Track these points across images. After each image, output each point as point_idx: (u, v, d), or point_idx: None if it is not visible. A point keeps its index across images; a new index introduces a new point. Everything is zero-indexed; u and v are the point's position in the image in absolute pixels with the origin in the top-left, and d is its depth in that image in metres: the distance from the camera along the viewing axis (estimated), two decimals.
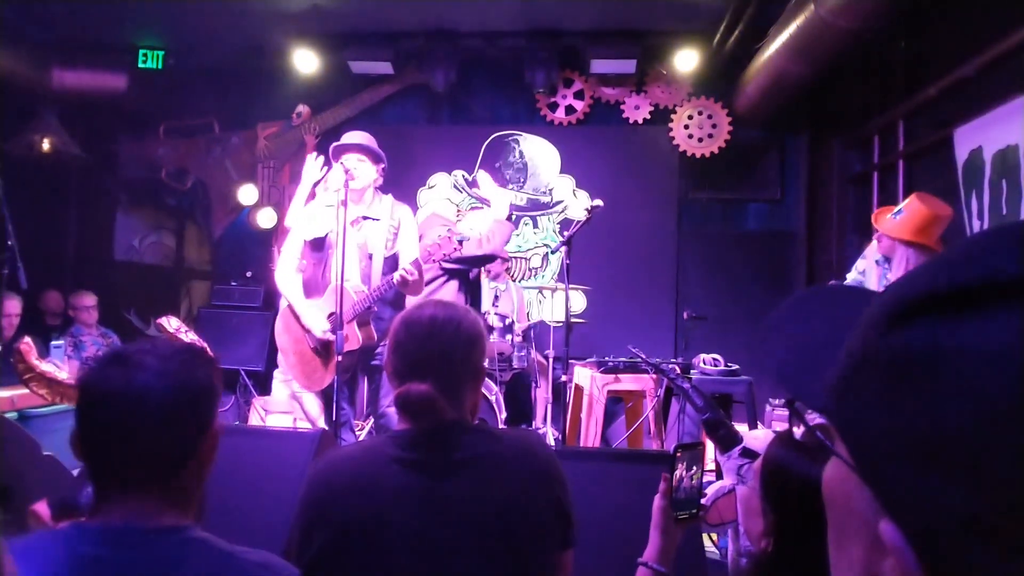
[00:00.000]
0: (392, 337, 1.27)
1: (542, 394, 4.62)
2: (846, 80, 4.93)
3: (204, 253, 6.42)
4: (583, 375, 4.08)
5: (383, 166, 3.23)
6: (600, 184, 5.61)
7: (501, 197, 3.77)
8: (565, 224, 5.69)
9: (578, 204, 5.74)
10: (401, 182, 4.98)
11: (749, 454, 1.58)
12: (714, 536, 2.60)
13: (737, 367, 3.93)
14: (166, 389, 0.92)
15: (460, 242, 2.87)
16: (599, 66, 5.36)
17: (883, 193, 4.62)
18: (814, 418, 0.48)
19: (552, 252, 5.76)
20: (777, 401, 3.94)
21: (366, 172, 3.13)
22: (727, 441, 1.69)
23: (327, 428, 2.95)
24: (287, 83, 5.57)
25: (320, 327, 3.03)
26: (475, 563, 1.11)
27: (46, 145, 5.60)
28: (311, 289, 3.19)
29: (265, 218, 5.89)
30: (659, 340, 5.38)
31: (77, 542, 0.89)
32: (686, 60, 5.19)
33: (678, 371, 3.60)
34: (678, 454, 1.24)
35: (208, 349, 1.04)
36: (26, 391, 2.60)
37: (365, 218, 3.18)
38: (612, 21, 5.08)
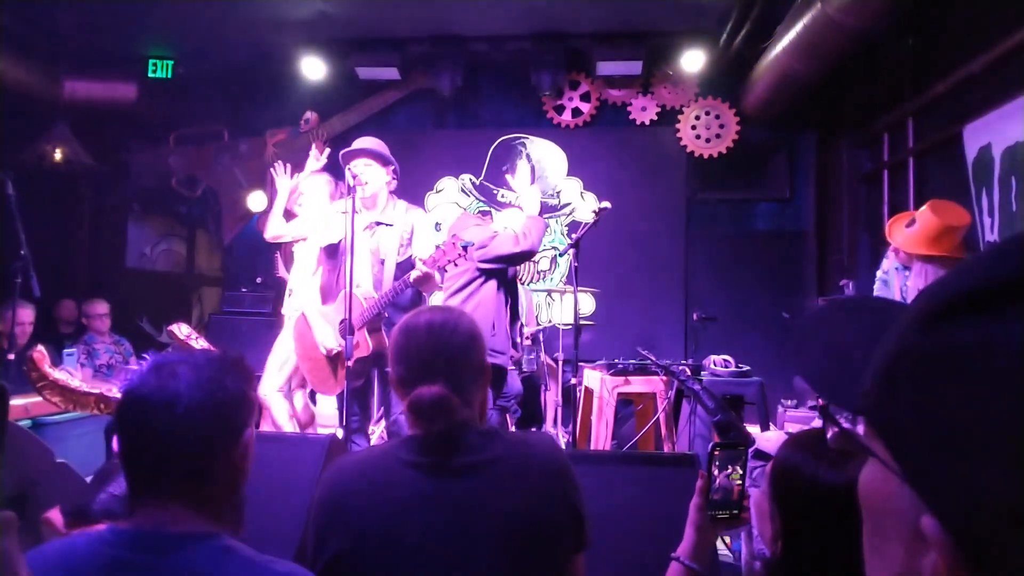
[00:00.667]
0: (393, 346, 1.27)
1: (552, 397, 4.62)
2: (854, 78, 4.90)
3: (215, 260, 6.46)
4: (593, 378, 4.07)
5: (393, 168, 3.21)
6: (608, 186, 5.61)
7: (533, 193, 3.68)
8: (573, 227, 5.68)
9: (586, 206, 5.74)
10: (409, 187, 4.99)
11: (761, 456, 1.57)
12: (727, 539, 2.59)
13: (748, 368, 3.90)
14: (197, 397, 0.95)
15: (464, 248, 2.83)
16: (605, 68, 5.35)
17: (893, 191, 4.58)
18: (844, 423, 0.49)
19: (560, 255, 5.75)
20: (789, 402, 3.91)
21: (375, 176, 3.13)
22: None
23: (333, 434, 2.95)
24: (295, 90, 5.61)
25: (327, 344, 3.04)
26: (489, 566, 1.11)
27: (58, 155, 5.67)
28: (327, 295, 3.21)
29: None
30: (669, 342, 5.36)
31: (108, 545, 0.91)
32: (693, 60, 5.18)
33: (688, 373, 3.58)
34: (715, 452, 1.22)
35: (244, 360, 1.05)
36: (40, 399, 2.62)
37: (378, 224, 3.17)
38: (618, 23, 5.08)
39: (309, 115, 5.94)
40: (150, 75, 5.41)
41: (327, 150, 4.06)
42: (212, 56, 5.43)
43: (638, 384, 3.86)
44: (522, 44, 5.31)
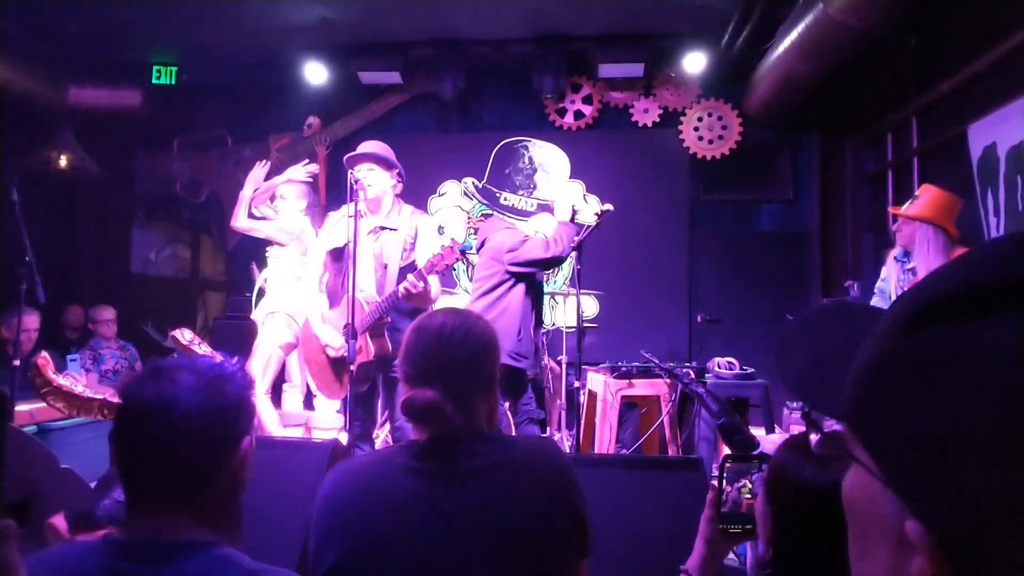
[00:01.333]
0: (404, 344, 1.27)
1: (556, 400, 4.61)
2: (857, 78, 4.89)
3: (219, 265, 6.48)
4: (596, 381, 4.06)
5: (398, 171, 3.21)
6: (610, 188, 5.59)
7: (564, 197, 3.67)
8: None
9: (588, 209, 5.73)
10: (411, 190, 4.98)
11: (764, 459, 1.55)
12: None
13: (753, 370, 3.88)
14: (194, 403, 0.93)
15: (463, 252, 2.82)
16: (607, 70, 5.35)
17: (898, 191, 4.56)
18: (831, 427, 0.49)
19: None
20: (794, 405, 3.89)
21: (379, 180, 3.12)
22: (743, 446, 1.67)
23: (335, 439, 2.95)
24: (297, 95, 5.63)
25: (335, 343, 3.04)
26: (490, 573, 1.10)
27: (63, 161, 5.70)
28: (331, 299, 3.21)
29: None
30: (673, 344, 5.34)
31: (100, 555, 0.90)
32: (694, 62, 5.17)
33: (692, 375, 3.57)
34: (727, 464, 1.19)
35: (245, 366, 1.04)
36: (44, 405, 2.63)
37: (383, 228, 3.17)
38: (619, 25, 5.08)
39: (312, 120, 5.96)
40: (154, 81, 5.45)
41: (316, 168, 4.28)
42: (215, 62, 5.46)
43: (642, 387, 3.85)
44: (523, 47, 5.31)
